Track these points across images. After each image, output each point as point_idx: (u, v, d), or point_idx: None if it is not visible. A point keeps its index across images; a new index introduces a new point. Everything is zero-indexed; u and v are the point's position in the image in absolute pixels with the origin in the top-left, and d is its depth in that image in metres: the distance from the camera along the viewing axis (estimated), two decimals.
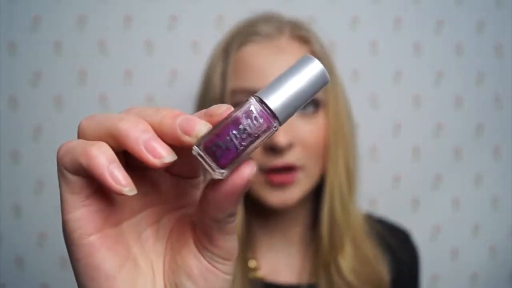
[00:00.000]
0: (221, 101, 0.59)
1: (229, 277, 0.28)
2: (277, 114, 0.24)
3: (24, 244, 0.81)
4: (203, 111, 0.25)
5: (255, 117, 0.24)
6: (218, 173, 0.24)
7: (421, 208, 0.86)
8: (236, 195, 0.24)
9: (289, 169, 0.57)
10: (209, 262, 0.27)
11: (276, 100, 0.24)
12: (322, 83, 0.25)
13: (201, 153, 0.23)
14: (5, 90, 0.79)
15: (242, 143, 0.23)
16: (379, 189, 0.84)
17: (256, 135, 0.24)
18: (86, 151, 0.23)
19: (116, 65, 0.80)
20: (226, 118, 0.24)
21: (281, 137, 0.54)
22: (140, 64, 0.80)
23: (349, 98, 0.65)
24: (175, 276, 0.27)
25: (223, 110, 0.24)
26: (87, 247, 0.25)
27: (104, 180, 0.23)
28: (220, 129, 0.23)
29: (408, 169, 0.85)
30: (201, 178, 0.29)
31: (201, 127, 0.23)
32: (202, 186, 0.30)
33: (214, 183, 0.25)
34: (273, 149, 0.55)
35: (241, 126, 0.23)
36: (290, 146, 0.56)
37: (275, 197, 0.58)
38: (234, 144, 0.23)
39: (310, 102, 0.58)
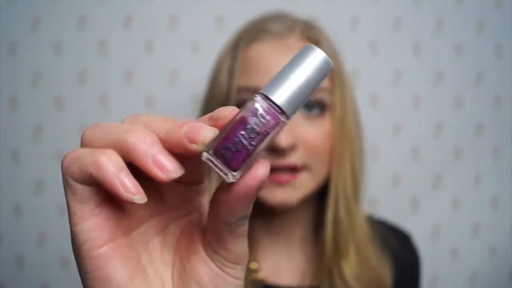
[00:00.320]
0: (227, 98, 0.58)
1: (240, 282, 0.27)
2: (284, 109, 0.23)
3: (24, 244, 0.81)
4: (208, 115, 0.24)
5: (262, 114, 0.23)
6: (230, 176, 0.23)
7: (421, 208, 0.86)
8: (249, 197, 0.24)
9: (292, 169, 0.56)
10: (219, 267, 0.26)
11: (281, 94, 0.23)
12: (326, 71, 0.24)
13: (211, 158, 0.23)
14: (5, 90, 0.79)
15: (252, 143, 0.23)
16: (379, 189, 0.84)
17: (265, 132, 0.23)
18: (95, 160, 0.23)
19: (116, 65, 0.80)
20: (233, 119, 0.23)
21: (284, 138, 0.54)
22: (140, 64, 0.80)
23: None
24: (185, 284, 0.27)
25: (228, 112, 0.24)
26: (98, 259, 0.24)
27: (114, 189, 0.22)
28: (228, 131, 0.23)
29: (408, 169, 0.85)
30: (205, 184, 0.29)
31: (207, 133, 0.23)
32: (207, 192, 0.29)
33: (226, 186, 0.24)
34: (275, 150, 0.55)
35: (248, 126, 0.23)
36: (292, 147, 0.55)
37: (275, 196, 0.57)
38: (244, 144, 0.23)
39: (316, 104, 0.58)
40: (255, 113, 0.23)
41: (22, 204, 0.81)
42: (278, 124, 0.23)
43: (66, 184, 0.24)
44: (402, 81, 0.84)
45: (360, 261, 0.60)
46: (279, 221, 0.63)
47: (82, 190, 0.24)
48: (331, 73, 0.23)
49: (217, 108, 0.24)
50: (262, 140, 0.23)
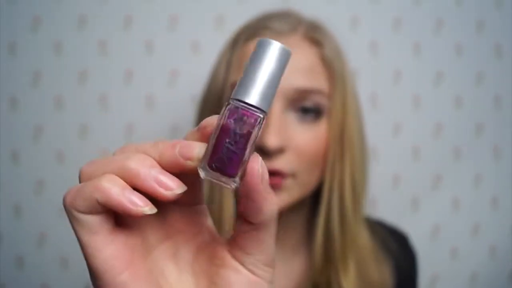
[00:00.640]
0: (222, 93, 0.56)
1: (272, 287, 0.27)
2: (260, 106, 0.25)
3: (24, 244, 0.81)
4: (195, 128, 0.26)
5: (240, 118, 0.24)
6: (233, 184, 0.25)
7: (421, 208, 0.86)
8: (261, 191, 0.25)
9: (277, 174, 0.53)
10: (250, 271, 0.27)
11: (253, 94, 0.25)
12: (286, 59, 0.25)
13: (209, 173, 0.24)
14: (5, 90, 0.79)
15: (239, 146, 0.24)
16: (379, 189, 0.84)
17: (249, 132, 0.24)
18: (98, 186, 0.24)
19: (116, 65, 0.80)
20: (215, 131, 0.24)
21: (272, 139, 0.51)
22: (140, 64, 0.80)
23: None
24: None
25: (214, 120, 0.25)
26: (121, 285, 0.25)
27: (123, 206, 0.23)
28: (215, 144, 0.24)
29: (408, 169, 0.85)
30: (205, 205, 0.30)
31: (199, 149, 0.24)
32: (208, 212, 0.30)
33: (240, 190, 0.25)
34: (262, 151, 0.51)
35: (231, 132, 0.24)
36: (281, 150, 0.53)
37: None
38: (233, 151, 0.24)
39: (311, 109, 0.56)
40: (234, 118, 0.24)
41: (22, 204, 0.81)
42: (257, 121, 0.24)
43: (73, 220, 0.25)
44: (402, 81, 0.84)
45: (361, 277, 0.58)
46: None
47: (91, 220, 0.24)
48: (290, 55, 0.25)
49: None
50: (248, 139, 0.24)
